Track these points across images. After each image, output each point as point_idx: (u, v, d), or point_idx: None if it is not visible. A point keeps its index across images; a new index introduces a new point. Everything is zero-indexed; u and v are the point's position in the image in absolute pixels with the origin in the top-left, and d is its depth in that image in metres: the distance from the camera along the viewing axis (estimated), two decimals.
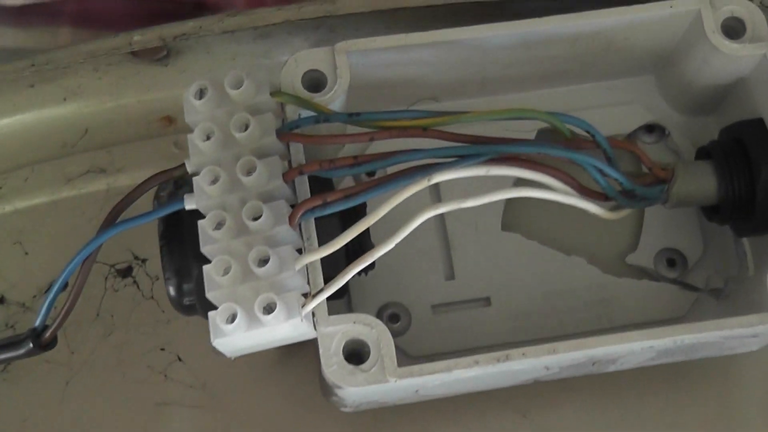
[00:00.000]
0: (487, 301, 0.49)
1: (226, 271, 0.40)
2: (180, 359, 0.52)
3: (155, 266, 0.51)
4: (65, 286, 0.43)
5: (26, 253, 0.54)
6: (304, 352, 0.48)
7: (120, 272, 0.53)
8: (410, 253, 0.49)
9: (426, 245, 0.49)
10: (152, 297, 0.53)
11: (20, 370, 0.52)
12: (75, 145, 0.56)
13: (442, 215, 0.49)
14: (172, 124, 0.56)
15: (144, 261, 0.53)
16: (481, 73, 0.48)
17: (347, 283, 0.41)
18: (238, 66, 0.55)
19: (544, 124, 0.44)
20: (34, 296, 0.53)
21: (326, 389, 0.43)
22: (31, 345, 0.44)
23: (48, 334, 0.44)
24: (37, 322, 0.44)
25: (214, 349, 0.41)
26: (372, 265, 0.42)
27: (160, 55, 0.54)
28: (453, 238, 0.50)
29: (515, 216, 0.50)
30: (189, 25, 0.53)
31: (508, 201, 0.50)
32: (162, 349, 0.52)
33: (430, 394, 0.45)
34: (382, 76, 0.47)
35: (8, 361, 0.45)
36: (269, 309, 0.39)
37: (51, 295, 0.43)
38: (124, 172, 0.55)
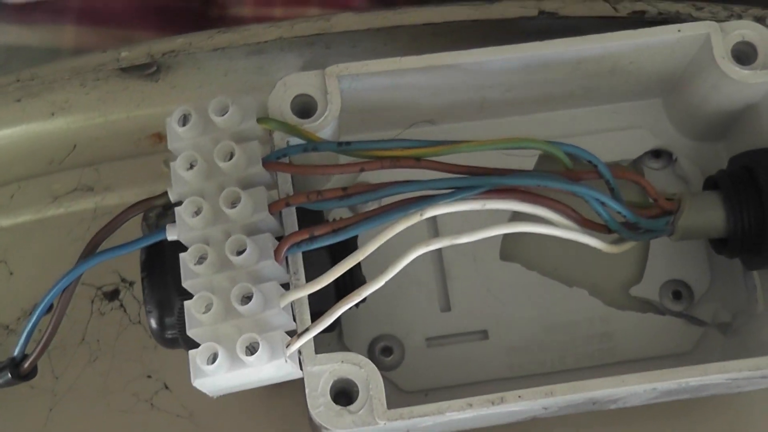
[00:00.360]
0: (484, 334, 0.47)
1: (208, 308, 0.38)
2: (167, 387, 0.50)
3: None
4: (48, 310, 0.42)
5: (11, 273, 0.53)
6: (295, 382, 0.46)
7: (107, 295, 0.52)
8: (404, 283, 0.47)
9: (421, 275, 0.48)
10: (139, 322, 0.51)
11: (2, 395, 0.50)
12: (62, 162, 0.54)
13: None
14: (161, 141, 0.54)
15: (131, 284, 0.52)
16: (479, 96, 0.46)
17: None
18: (230, 83, 0.53)
19: None
20: (19, 318, 0.52)
21: (314, 426, 0.42)
22: (9, 375, 0.43)
23: (27, 364, 0.43)
24: (16, 352, 0.43)
25: None
26: (363, 299, 0.40)
27: (150, 70, 0.53)
28: (449, 268, 0.48)
29: (515, 246, 0.48)
30: (178, 42, 0.51)
31: None
32: (148, 377, 0.51)
33: None
34: (376, 100, 0.45)
35: None
36: (252, 349, 0.38)
37: (30, 325, 0.43)
38: (112, 190, 0.54)
